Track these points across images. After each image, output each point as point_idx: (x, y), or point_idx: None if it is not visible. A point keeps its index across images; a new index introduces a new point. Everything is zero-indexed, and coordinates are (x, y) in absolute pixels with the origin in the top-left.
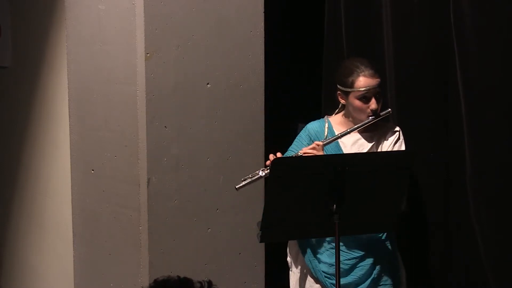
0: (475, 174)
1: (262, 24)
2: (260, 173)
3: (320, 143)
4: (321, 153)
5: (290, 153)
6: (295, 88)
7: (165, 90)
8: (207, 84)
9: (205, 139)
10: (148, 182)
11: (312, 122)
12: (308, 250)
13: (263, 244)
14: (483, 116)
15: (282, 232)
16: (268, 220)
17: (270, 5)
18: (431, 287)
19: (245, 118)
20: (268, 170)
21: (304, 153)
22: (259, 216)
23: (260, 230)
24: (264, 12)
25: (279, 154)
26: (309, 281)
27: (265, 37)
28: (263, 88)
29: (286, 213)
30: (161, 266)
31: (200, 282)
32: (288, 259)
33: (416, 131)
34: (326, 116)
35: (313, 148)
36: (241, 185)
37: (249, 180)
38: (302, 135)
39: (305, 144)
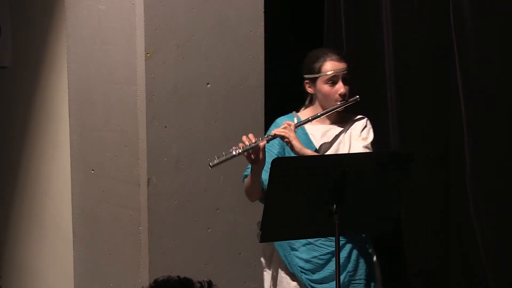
0: (475, 174)
1: (262, 24)
2: (234, 152)
3: (292, 123)
4: (292, 134)
5: (267, 148)
6: (295, 88)
7: (165, 90)
8: (207, 84)
9: (205, 139)
10: (148, 182)
11: (280, 117)
12: (284, 245)
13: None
14: (483, 116)
15: (282, 232)
16: (268, 220)
17: (270, 5)
18: (431, 286)
19: (245, 118)
20: (241, 150)
21: (275, 134)
22: (259, 216)
23: (260, 230)
24: (264, 12)
25: (251, 135)
26: (286, 278)
27: (265, 37)
28: (263, 88)
29: (286, 213)
30: (161, 266)
31: (200, 282)
32: (262, 259)
33: (416, 131)
34: (294, 112)
35: (285, 128)
36: (215, 163)
37: (223, 158)
38: (272, 129)
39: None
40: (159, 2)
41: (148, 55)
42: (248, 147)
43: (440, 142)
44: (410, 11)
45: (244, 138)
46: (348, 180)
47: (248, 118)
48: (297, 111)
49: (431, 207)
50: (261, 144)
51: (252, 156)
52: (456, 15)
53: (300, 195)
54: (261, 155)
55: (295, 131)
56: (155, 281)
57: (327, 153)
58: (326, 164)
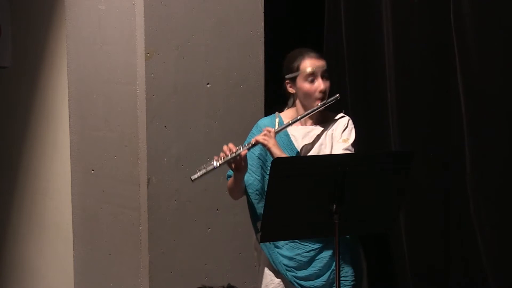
0: (475, 174)
1: (262, 24)
2: (214, 164)
3: (272, 129)
4: (272, 141)
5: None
6: None
7: (165, 90)
8: (207, 84)
9: (205, 139)
10: (148, 182)
11: (263, 118)
12: (268, 243)
13: None
14: (483, 116)
15: (282, 232)
16: (268, 220)
17: (270, 5)
18: (431, 286)
19: (245, 118)
20: (222, 161)
21: (256, 141)
22: None
23: (260, 230)
24: (264, 12)
25: (231, 145)
26: (270, 275)
27: (265, 37)
28: (263, 88)
29: (286, 213)
30: (161, 266)
31: None
32: (255, 253)
33: (416, 131)
34: (276, 113)
35: (265, 135)
36: (196, 176)
37: (204, 171)
38: (254, 131)
39: None
40: (159, 2)
41: (148, 55)
42: (229, 157)
43: (440, 142)
44: (410, 11)
45: (225, 148)
46: (348, 180)
47: (248, 118)
48: (280, 111)
49: (431, 207)
50: (243, 153)
51: (233, 166)
52: (456, 15)
53: (300, 195)
54: (242, 163)
55: (275, 137)
56: None
57: (309, 154)
58: (326, 164)
